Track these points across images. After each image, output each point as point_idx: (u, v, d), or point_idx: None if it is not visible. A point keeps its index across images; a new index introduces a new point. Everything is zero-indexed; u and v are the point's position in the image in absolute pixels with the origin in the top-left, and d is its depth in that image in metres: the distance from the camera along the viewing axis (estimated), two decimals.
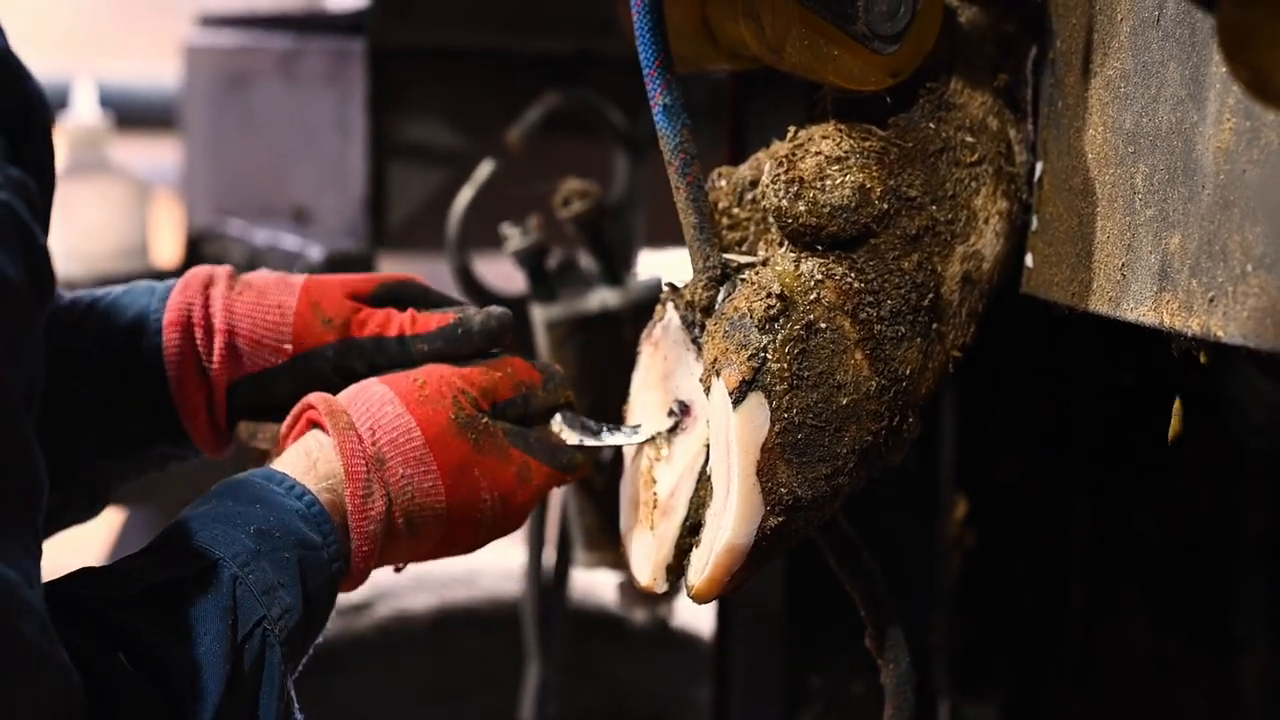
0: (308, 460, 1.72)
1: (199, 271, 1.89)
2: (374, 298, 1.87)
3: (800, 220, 1.68)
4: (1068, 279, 1.70)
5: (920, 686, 1.83)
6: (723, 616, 2.48)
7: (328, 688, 3.18)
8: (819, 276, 1.68)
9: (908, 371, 1.69)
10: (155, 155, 4.37)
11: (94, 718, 1.46)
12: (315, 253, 2.92)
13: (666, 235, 2.84)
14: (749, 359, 1.65)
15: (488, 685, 3.25)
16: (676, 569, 1.75)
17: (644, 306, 2.49)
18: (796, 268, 1.69)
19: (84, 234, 3.26)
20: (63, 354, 1.82)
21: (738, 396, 1.65)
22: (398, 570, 1.81)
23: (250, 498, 1.67)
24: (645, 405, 1.80)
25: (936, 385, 1.72)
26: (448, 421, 1.75)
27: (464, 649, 3.32)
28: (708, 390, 1.69)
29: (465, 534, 1.78)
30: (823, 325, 1.66)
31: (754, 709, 2.44)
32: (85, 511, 1.92)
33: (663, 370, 1.78)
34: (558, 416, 1.83)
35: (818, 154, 1.68)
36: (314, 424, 1.75)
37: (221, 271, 1.88)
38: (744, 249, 1.78)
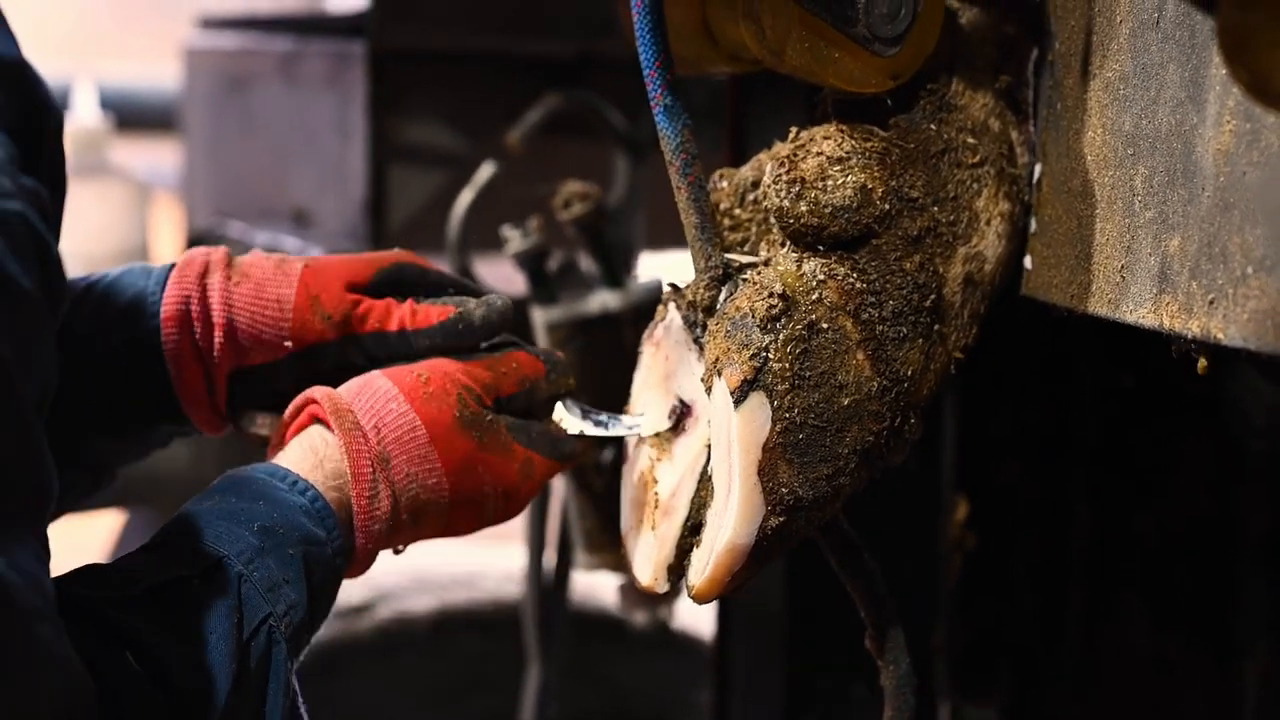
0: (314, 458, 1.72)
1: (194, 258, 1.87)
2: (373, 286, 1.86)
3: (802, 220, 1.68)
4: (1067, 281, 1.69)
5: (921, 688, 1.83)
6: (723, 618, 2.48)
7: (328, 690, 3.18)
8: (821, 277, 1.68)
9: (909, 372, 1.69)
10: (155, 157, 4.37)
11: (101, 718, 1.46)
12: (316, 254, 2.92)
13: (667, 237, 2.84)
14: (751, 358, 1.65)
15: (488, 687, 3.25)
16: (678, 569, 1.75)
17: (644, 308, 2.49)
18: (799, 268, 1.69)
19: (84, 236, 3.26)
20: (60, 335, 1.82)
21: (739, 396, 1.65)
22: (397, 552, 1.82)
23: (254, 494, 1.67)
24: (647, 406, 1.80)
25: (938, 386, 1.72)
26: (452, 419, 1.75)
27: (464, 651, 3.32)
28: (709, 390, 1.69)
29: (467, 522, 1.79)
30: (824, 325, 1.66)
31: (754, 711, 2.44)
32: (90, 492, 1.92)
33: (664, 370, 1.78)
34: (560, 406, 1.83)
35: (819, 154, 1.68)
36: (316, 418, 1.75)
37: (217, 257, 1.87)
38: (745, 250, 1.78)
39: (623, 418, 1.82)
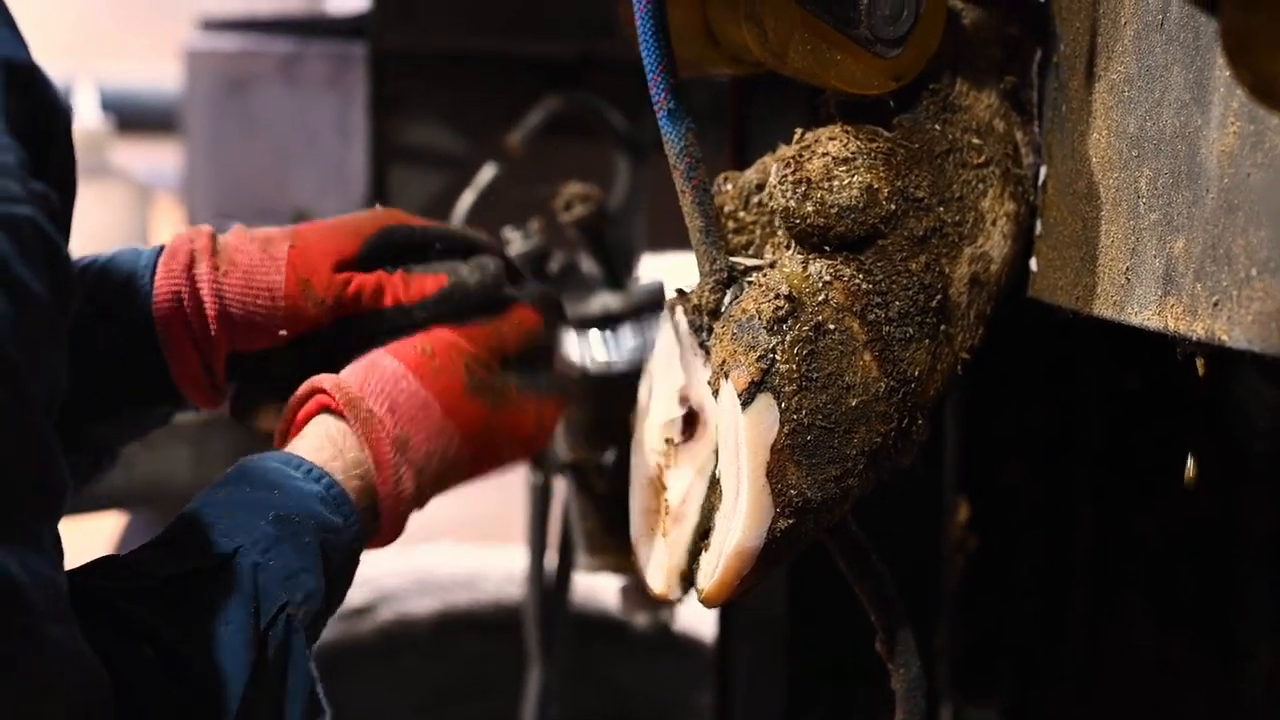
0: (333, 448, 1.72)
1: (179, 248, 1.85)
2: (361, 259, 1.84)
3: (808, 220, 1.67)
4: (1071, 283, 1.69)
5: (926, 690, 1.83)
6: (724, 620, 2.48)
7: (329, 691, 3.17)
8: (827, 278, 1.67)
9: (916, 373, 1.69)
10: (156, 159, 4.37)
11: (117, 712, 1.46)
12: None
13: (668, 238, 2.84)
14: (758, 360, 1.65)
15: (489, 689, 3.25)
16: (690, 576, 1.74)
17: (646, 310, 2.49)
18: (804, 269, 1.68)
19: (85, 237, 3.25)
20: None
21: (747, 398, 1.65)
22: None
23: (268, 483, 1.67)
24: (652, 412, 1.79)
25: (945, 387, 1.72)
26: (462, 389, 1.76)
27: (466, 652, 3.32)
28: (716, 393, 1.69)
29: (488, 471, 1.82)
30: (831, 327, 1.66)
31: (756, 713, 2.44)
32: (91, 476, 1.92)
33: (670, 377, 1.77)
34: (562, 345, 1.84)
35: (825, 155, 1.68)
36: (325, 408, 1.75)
37: (201, 245, 1.85)
38: (750, 252, 1.78)
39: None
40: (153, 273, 1.84)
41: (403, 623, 3.29)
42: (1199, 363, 1.54)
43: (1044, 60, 1.76)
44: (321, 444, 1.72)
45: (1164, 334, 1.54)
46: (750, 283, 1.70)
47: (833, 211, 1.67)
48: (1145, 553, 2.64)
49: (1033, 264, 1.77)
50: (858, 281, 1.67)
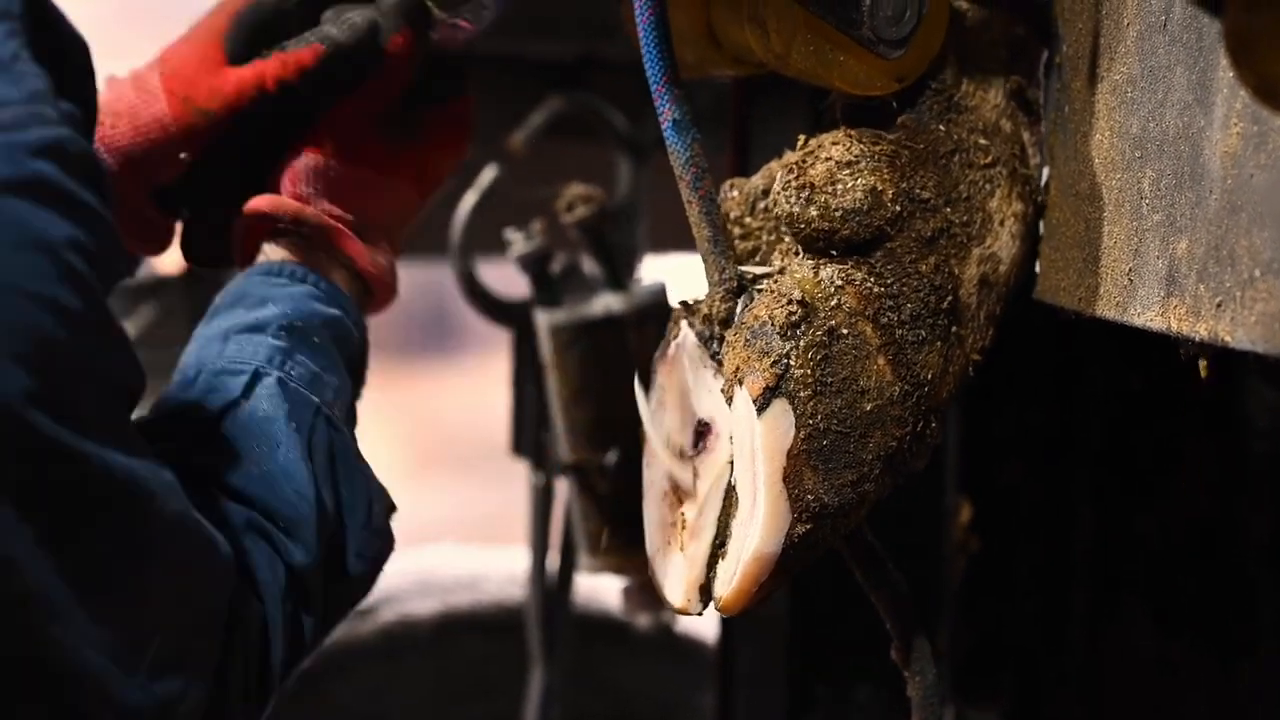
0: (300, 255, 1.75)
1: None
2: (233, 56, 1.81)
3: (813, 225, 1.67)
4: (1074, 284, 1.69)
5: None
6: (726, 622, 2.48)
7: (331, 692, 3.18)
8: (839, 282, 1.67)
9: (929, 376, 1.69)
10: None
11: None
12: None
13: (670, 240, 2.84)
14: (772, 365, 1.65)
15: (491, 690, 3.25)
16: (709, 587, 1.74)
17: (648, 311, 2.49)
18: (816, 274, 1.68)
19: None
20: None
21: (762, 403, 1.65)
22: None
23: (259, 300, 1.70)
24: (662, 426, 1.79)
25: (957, 389, 1.72)
26: (376, 142, 1.78)
27: (467, 654, 3.32)
28: (730, 400, 1.69)
29: (445, 168, 1.85)
30: (844, 331, 1.66)
31: (758, 714, 2.44)
32: None
33: (680, 389, 1.77)
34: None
35: (828, 159, 1.68)
36: (271, 230, 1.76)
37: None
38: (757, 259, 1.77)
39: None
40: None
41: (404, 624, 3.29)
42: (1201, 365, 1.54)
43: (1047, 61, 1.76)
44: (284, 258, 1.75)
45: (1167, 335, 1.54)
46: (760, 290, 1.70)
47: (837, 215, 1.67)
48: (1146, 553, 2.65)
49: (1038, 265, 1.77)
50: (869, 285, 1.67)
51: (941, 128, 1.72)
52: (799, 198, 1.68)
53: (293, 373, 1.64)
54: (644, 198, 2.90)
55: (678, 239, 2.07)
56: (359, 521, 1.66)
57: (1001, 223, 1.73)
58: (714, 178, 1.71)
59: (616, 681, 3.38)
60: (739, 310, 1.70)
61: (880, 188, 1.67)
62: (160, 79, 1.81)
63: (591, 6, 2.94)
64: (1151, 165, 1.57)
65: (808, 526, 1.66)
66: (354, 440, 1.68)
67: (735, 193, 1.79)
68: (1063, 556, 2.67)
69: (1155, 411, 2.61)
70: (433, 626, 3.30)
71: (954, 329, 1.71)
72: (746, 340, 1.67)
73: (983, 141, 1.72)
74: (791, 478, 1.65)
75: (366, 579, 1.71)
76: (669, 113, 1.67)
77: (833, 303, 1.67)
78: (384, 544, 1.71)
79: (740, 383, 1.67)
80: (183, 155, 1.80)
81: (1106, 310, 1.64)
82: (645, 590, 2.57)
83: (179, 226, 1.87)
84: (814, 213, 1.67)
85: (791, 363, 1.65)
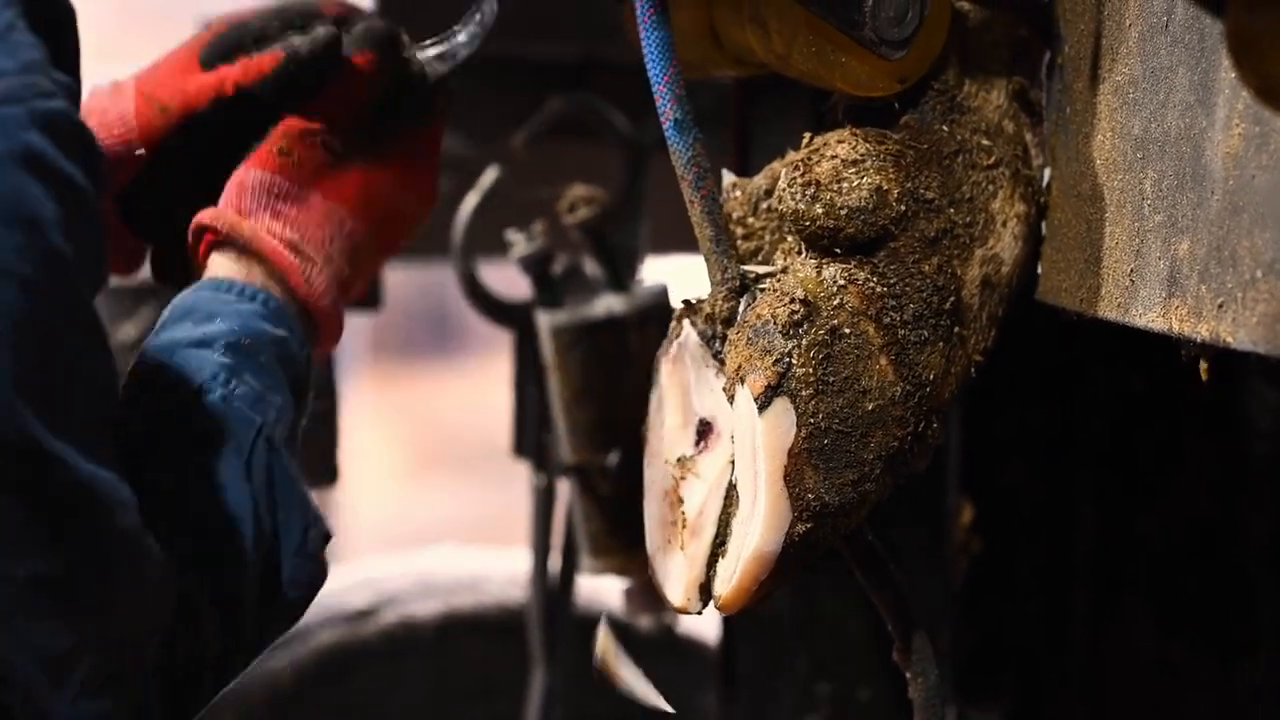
0: (241, 272, 1.73)
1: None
2: (204, 61, 1.82)
3: (818, 223, 1.68)
4: (1076, 285, 1.69)
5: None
6: (728, 623, 2.48)
7: (332, 694, 3.18)
8: (841, 281, 1.67)
9: (931, 376, 1.69)
10: None
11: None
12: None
13: (672, 241, 2.84)
14: (774, 364, 1.65)
15: (493, 692, 3.25)
16: (709, 587, 1.74)
17: (649, 312, 2.49)
18: (818, 274, 1.68)
19: None
20: None
21: (763, 402, 1.65)
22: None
23: (206, 315, 1.68)
24: (664, 425, 1.79)
25: (958, 390, 1.72)
26: (326, 166, 1.76)
27: (469, 655, 3.31)
28: (732, 399, 1.69)
29: (396, 229, 1.81)
30: (847, 330, 1.66)
31: (759, 715, 2.44)
32: None
33: (682, 388, 1.77)
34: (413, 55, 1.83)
35: (833, 158, 1.68)
36: (214, 242, 1.75)
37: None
38: (759, 259, 1.78)
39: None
40: None
41: (406, 625, 3.28)
42: (1202, 366, 1.54)
43: (1049, 62, 1.76)
44: (229, 272, 1.73)
45: (1168, 336, 1.54)
46: (763, 289, 1.70)
47: (842, 213, 1.67)
48: (1147, 554, 2.65)
49: (1040, 266, 1.77)
50: (872, 285, 1.68)
51: (945, 128, 1.72)
52: (804, 195, 1.68)
53: (236, 391, 1.62)
54: (645, 199, 2.90)
55: (679, 240, 2.07)
56: (293, 546, 1.64)
57: (1004, 223, 1.73)
58: (715, 178, 1.72)
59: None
60: (741, 309, 1.71)
61: (885, 187, 1.67)
62: (135, 81, 1.82)
63: (592, 7, 2.93)
64: (1153, 166, 1.57)
65: (808, 525, 1.66)
66: (293, 463, 1.66)
67: (738, 192, 1.79)
68: (1064, 557, 2.67)
69: (1156, 412, 2.61)
70: (434, 628, 3.29)
71: (956, 329, 1.71)
72: (749, 339, 1.67)
73: (985, 142, 1.72)
74: (792, 476, 1.65)
75: (298, 605, 1.68)
76: (670, 113, 1.67)
77: (835, 302, 1.67)
78: (317, 571, 1.68)
79: (742, 381, 1.67)
80: (139, 151, 1.80)
81: (1108, 311, 1.64)
82: (647, 591, 2.57)
83: (150, 250, 1.87)
84: (819, 210, 1.68)
85: (793, 361, 1.65)
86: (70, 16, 1.51)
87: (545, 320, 2.51)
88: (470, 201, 2.69)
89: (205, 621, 1.56)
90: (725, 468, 1.73)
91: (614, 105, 2.87)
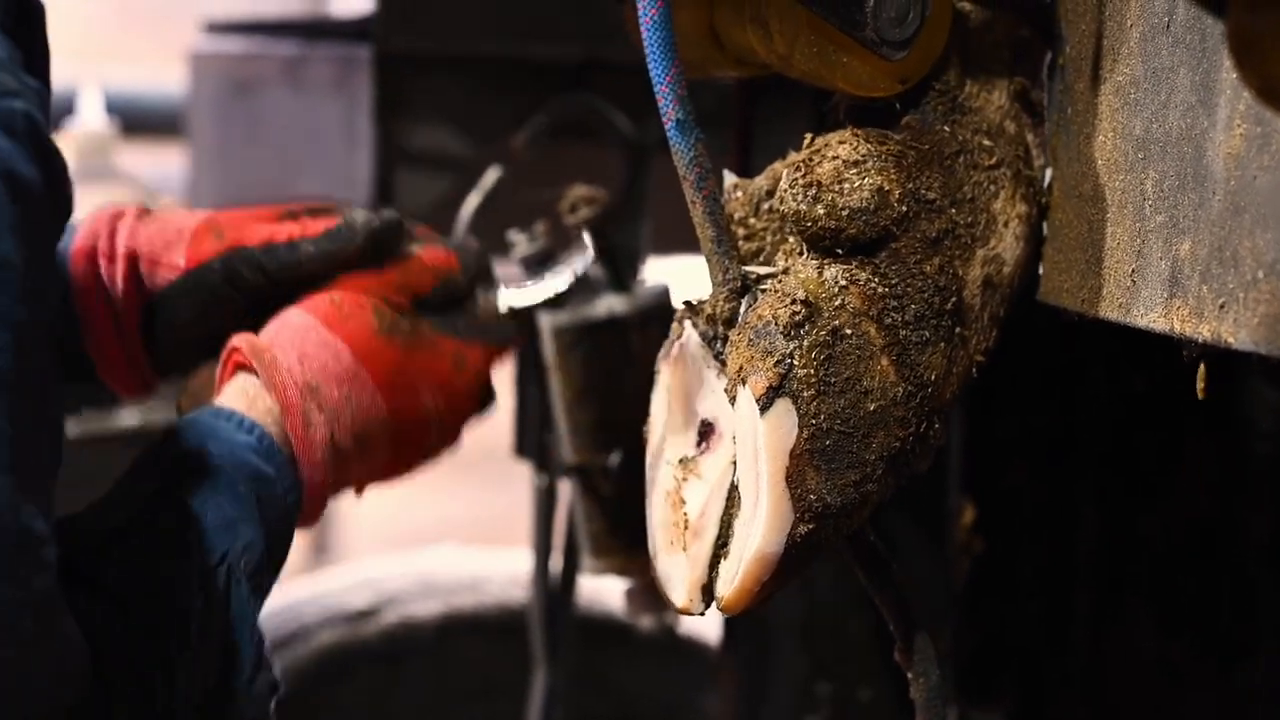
0: (246, 399, 1.72)
1: (108, 207, 1.88)
2: (281, 218, 1.85)
3: (819, 224, 1.68)
4: (1077, 285, 1.69)
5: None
6: (729, 623, 2.48)
7: (334, 695, 3.18)
8: (843, 282, 1.68)
9: (932, 376, 1.69)
10: (161, 162, 4.37)
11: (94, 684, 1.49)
12: None
13: (673, 241, 2.84)
14: (775, 365, 1.65)
15: (493, 692, 3.25)
16: (711, 588, 1.74)
17: (651, 313, 2.49)
18: (820, 274, 1.68)
19: None
20: None
21: (765, 403, 1.65)
22: (359, 494, 1.81)
23: (199, 436, 1.67)
24: (665, 426, 1.79)
25: (960, 390, 1.72)
26: (372, 332, 1.75)
27: (469, 656, 3.32)
28: (733, 400, 1.69)
29: (415, 436, 1.78)
30: (848, 331, 1.66)
31: (761, 715, 2.44)
32: None
33: (683, 389, 1.77)
34: (479, 291, 1.82)
35: (835, 158, 1.68)
36: (241, 366, 1.74)
37: (131, 207, 1.88)
38: (761, 260, 1.78)
39: (547, 273, 1.82)
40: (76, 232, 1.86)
41: (406, 626, 3.29)
42: (1199, 375, 1.54)
43: (1050, 62, 1.76)
44: (237, 397, 1.72)
45: (1170, 336, 1.54)
46: (764, 290, 1.70)
47: (844, 214, 1.67)
48: (1148, 555, 2.64)
49: (1041, 267, 1.77)
50: (873, 285, 1.68)
51: (946, 129, 1.72)
52: (805, 195, 1.68)
53: (208, 513, 1.61)
54: (647, 199, 2.90)
55: (681, 240, 2.07)
56: (241, 679, 1.62)
57: (1005, 224, 1.73)
58: (717, 179, 1.72)
59: (620, 683, 3.38)
60: (743, 310, 1.71)
61: (887, 188, 1.67)
62: (215, 213, 1.86)
63: (594, 8, 2.94)
64: (1154, 166, 1.57)
65: (810, 526, 1.66)
66: (254, 602, 1.63)
67: (739, 193, 1.79)
68: (1065, 557, 2.66)
69: (1158, 413, 2.60)
70: (435, 628, 3.29)
71: (958, 330, 1.71)
72: (750, 340, 1.67)
73: (987, 143, 1.72)
74: (794, 477, 1.65)
75: None
76: (672, 113, 1.67)
77: (837, 303, 1.67)
78: (261, 714, 1.65)
79: (743, 382, 1.67)
80: (179, 261, 1.82)
81: (1109, 311, 1.64)
82: (648, 592, 2.57)
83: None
84: (820, 211, 1.68)
85: (795, 362, 1.65)
86: (41, 19, 1.50)
87: (546, 320, 2.51)
88: (471, 202, 2.68)
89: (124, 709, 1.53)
90: (727, 469, 1.73)
91: (615, 105, 2.87)
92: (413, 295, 1.79)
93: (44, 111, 1.45)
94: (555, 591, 2.77)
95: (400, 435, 1.77)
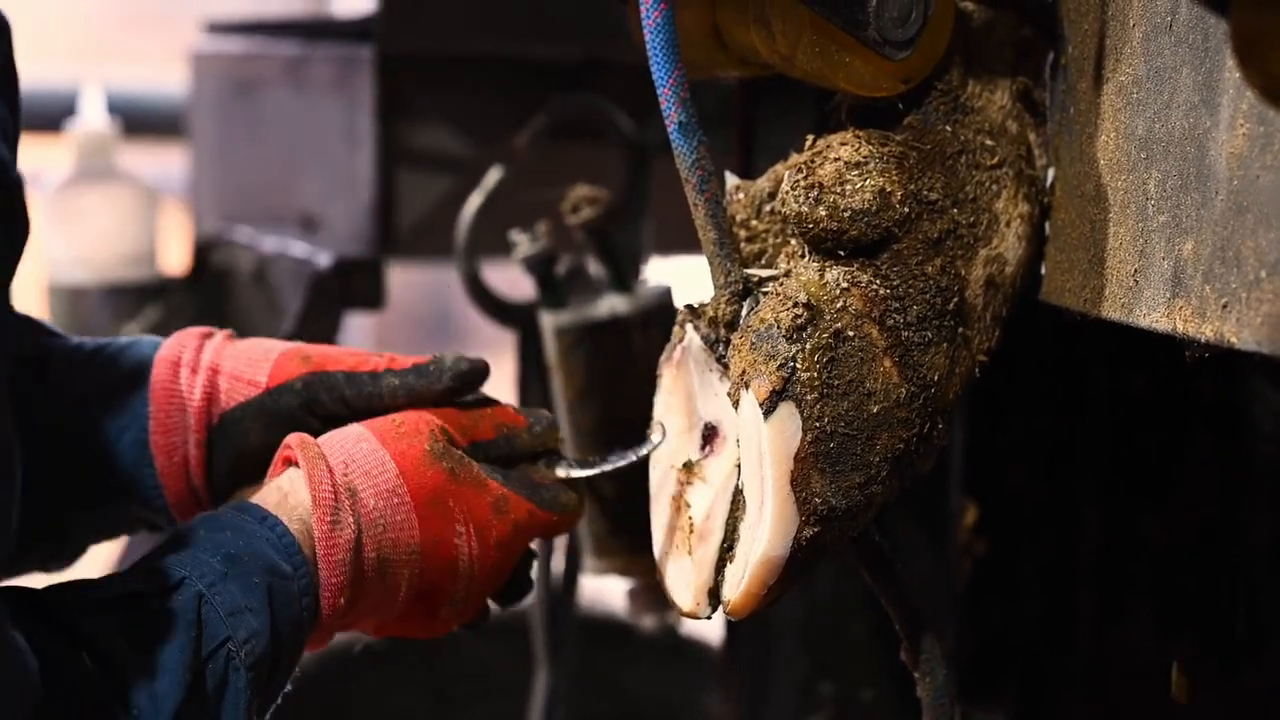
0: (279, 494, 1.70)
1: (203, 328, 1.88)
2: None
3: (821, 226, 1.68)
4: (1080, 285, 1.69)
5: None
6: (731, 624, 2.48)
7: (335, 695, 3.17)
8: (844, 284, 1.67)
9: (935, 377, 1.69)
10: (163, 162, 4.37)
11: (53, 714, 1.48)
12: (324, 259, 2.92)
13: (675, 241, 2.84)
14: (778, 369, 1.65)
15: (496, 693, 3.25)
16: (717, 591, 1.74)
17: (652, 313, 2.49)
18: (821, 277, 1.68)
19: (92, 241, 3.26)
20: (57, 395, 1.82)
21: (768, 407, 1.65)
22: (376, 635, 1.79)
23: (220, 526, 1.66)
24: (668, 429, 1.79)
25: (963, 390, 1.72)
26: (422, 453, 1.73)
27: (472, 656, 3.31)
28: (737, 404, 1.69)
29: (440, 577, 1.74)
30: (850, 333, 1.66)
31: (763, 716, 2.44)
32: (51, 561, 1.91)
33: (686, 393, 1.77)
34: (544, 460, 1.81)
35: (836, 160, 1.68)
36: (289, 462, 1.73)
37: (224, 331, 1.89)
38: (763, 262, 1.78)
39: (610, 456, 1.80)
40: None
41: None
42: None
43: (1053, 62, 1.76)
44: (272, 491, 1.71)
45: (1172, 336, 1.54)
46: (766, 293, 1.70)
47: (845, 216, 1.67)
48: (1150, 555, 2.64)
49: (1043, 266, 1.77)
50: (875, 287, 1.68)
51: (948, 129, 1.72)
52: (807, 197, 1.68)
53: (215, 597, 1.60)
54: (649, 199, 2.90)
55: (683, 240, 2.07)
56: None
57: (1008, 224, 1.73)
58: (719, 181, 1.71)
59: (622, 683, 3.38)
60: (745, 313, 1.70)
61: (889, 189, 1.67)
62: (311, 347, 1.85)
63: (596, 8, 2.93)
64: (1157, 166, 1.57)
65: (816, 529, 1.66)
66: (250, 695, 1.60)
67: (741, 195, 1.79)
68: (1067, 558, 2.66)
69: (1160, 413, 2.60)
70: None
71: (960, 330, 1.71)
72: (752, 343, 1.67)
73: (989, 142, 1.72)
74: (799, 481, 1.65)
75: None
76: (675, 115, 1.67)
77: (838, 305, 1.67)
78: None
79: (746, 386, 1.66)
80: (261, 379, 1.82)
81: (1112, 311, 1.64)
82: (650, 592, 2.57)
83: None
84: (822, 212, 1.67)
85: (798, 366, 1.65)
86: (6, 46, 1.49)
87: (549, 321, 2.51)
88: (473, 202, 2.69)
89: None
90: (731, 472, 1.73)
91: (616, 105, 2.87)
92: (473, 439, 1.77)
93: (8, 137, 1.44)
94: (557, 592, 2.77)
95: (425, 570, 1.73)
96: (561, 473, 1.80)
